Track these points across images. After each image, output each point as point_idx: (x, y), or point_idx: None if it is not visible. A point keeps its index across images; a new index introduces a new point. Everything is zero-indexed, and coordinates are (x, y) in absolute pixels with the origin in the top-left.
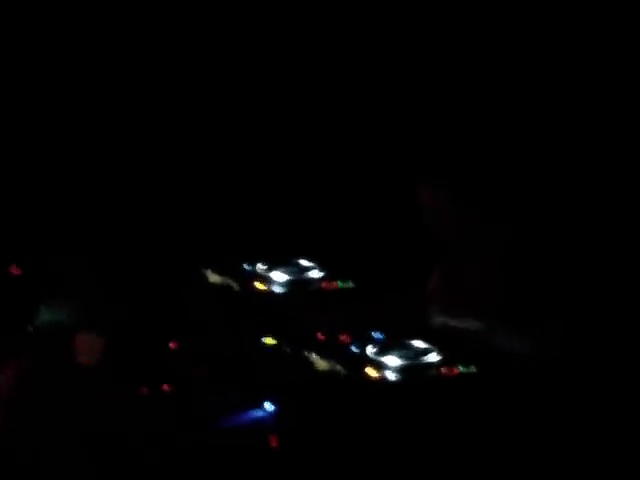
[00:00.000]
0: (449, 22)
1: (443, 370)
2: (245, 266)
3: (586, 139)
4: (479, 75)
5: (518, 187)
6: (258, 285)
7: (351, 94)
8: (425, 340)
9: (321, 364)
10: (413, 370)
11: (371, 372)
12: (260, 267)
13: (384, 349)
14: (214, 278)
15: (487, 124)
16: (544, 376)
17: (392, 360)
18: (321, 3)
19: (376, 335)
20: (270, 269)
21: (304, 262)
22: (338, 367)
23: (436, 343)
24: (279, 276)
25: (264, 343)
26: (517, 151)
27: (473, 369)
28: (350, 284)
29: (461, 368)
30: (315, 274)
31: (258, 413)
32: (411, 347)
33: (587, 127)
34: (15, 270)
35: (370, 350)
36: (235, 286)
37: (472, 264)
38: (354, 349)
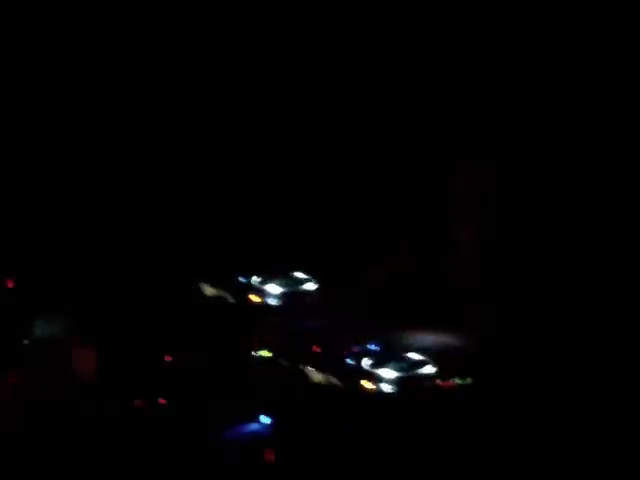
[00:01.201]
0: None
1: (439, 382)
2: (240, 279)
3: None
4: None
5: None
6: (253, 297)
7: (375, 105)
8: (421, 352)
9: (317, 377)
10: (409, 382)
11: (367, 384)
12: (255, 280)
13: (380, 361)
14: (209, 291)
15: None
16: (540, 387)
17: (388, 372)
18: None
19: (372, 347)
20: (265, 282)
21: (299, 274)
22: (334, 379)
23: (432, 355)
24: (274, 288)
25: (260, 356)
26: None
27: (469, 381)
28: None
29: (457, 380)
30: (310, 286)
31: (254, 426)
32: (407, 359)
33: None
34: (10, 284)
35: (366, 362)
36: (230, 299)
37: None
38: (350, 361)
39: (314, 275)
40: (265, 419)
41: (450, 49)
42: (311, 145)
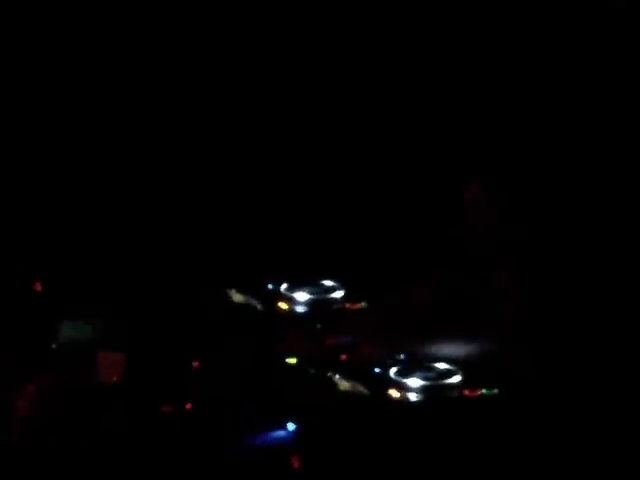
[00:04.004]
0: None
1: (465, 392)
2: (269, 286)
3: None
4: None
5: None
6: (281, 305)
7: (380, 116)
8: (448, 362)
9: (343, 384)
10: (435, 391)
11: (393, 393)
12: (284, 287)
13: (406, 370)
14: (238, 298)
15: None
16: (563, 398)
17: (414, 381)
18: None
19: (399, 356)
20: (293, 289)
21: (327, 282)
22: (360, 388)
23: (459, 364)
24: (302, 296)
25: (287, 363)
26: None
27: (496, 391)
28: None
29: (484, 390)
30: (338, 294)
31: (280, 433)
32: (434, 368)
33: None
34: (38, 286)
35: (392, 371)
36: (258, 306)
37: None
38: (376, 370)
39: (343, 283)
40: (292, 426)
41: (469, 74)
42: (348, 157)
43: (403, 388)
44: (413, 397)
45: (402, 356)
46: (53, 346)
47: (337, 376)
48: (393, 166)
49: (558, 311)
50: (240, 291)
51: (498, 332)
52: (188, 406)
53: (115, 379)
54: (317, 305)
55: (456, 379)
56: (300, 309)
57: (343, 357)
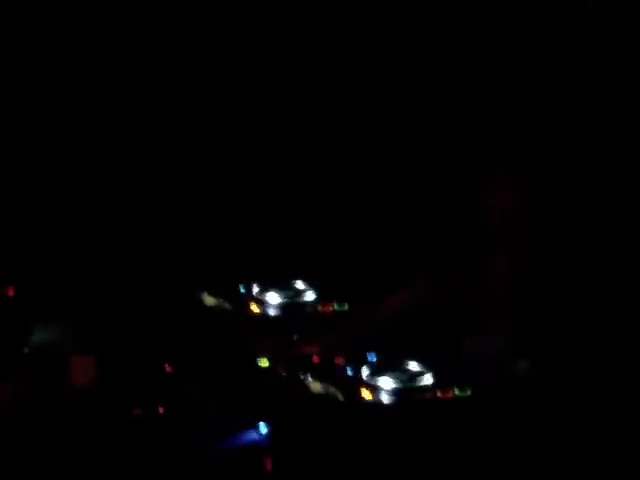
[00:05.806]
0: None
1: (437, 393)
2: (241, 289)
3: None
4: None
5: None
6: (253, 307)
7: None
8: (420, 363)
9: (316, 386)
10: (407, 393)
11: (365, 394)
12: (255, 289)
13: (379, 371)
14: (210, 301)
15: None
16: (539, 399)
17: (386, 382)
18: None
19: (371, 357)
20: (265, 291)
21: (299, 284)
22: (333, 389)
23: (431, 366)
24: (274, 298)
25: (259, 365)
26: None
27: (467, 392)
28: (346, 307)
29: (456, 391)
30: (310, 296)
31: (253, 435)
32: (406, 370)
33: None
34: (10, 292)
35: (365, 372)
36: (230, 308)
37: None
38: (349, 371)
39: (315, 285)
40: (264, 428)
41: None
42: (327, 155)
43: (375, 390)
44: (385, 398)
45: (374, 358)
46: (26, 350)
47: (309, 378)
48: (373, 164)
49: (555, 311)
50: (212, 294)
51: (478, 331)
52: (161, 409)
53: (87, 383)
54: (289, 307)
55: (428, 380)
56: (272, 311)
57: (315, 359)
